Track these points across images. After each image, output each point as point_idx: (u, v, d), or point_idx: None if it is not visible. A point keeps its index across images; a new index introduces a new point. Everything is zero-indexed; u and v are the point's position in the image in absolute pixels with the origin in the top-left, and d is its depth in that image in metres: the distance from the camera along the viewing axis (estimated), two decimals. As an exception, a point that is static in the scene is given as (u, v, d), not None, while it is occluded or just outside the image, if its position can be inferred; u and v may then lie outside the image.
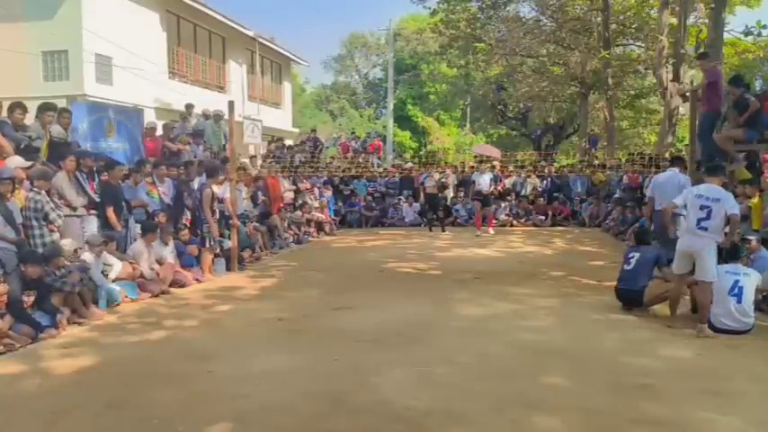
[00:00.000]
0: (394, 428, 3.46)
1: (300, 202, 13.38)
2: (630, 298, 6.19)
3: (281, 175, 12.95)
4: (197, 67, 18.88)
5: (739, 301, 5.33)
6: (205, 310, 6.49)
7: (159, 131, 10.98)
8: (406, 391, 3.97)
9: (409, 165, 18.31)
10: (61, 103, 8.54)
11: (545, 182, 16.34)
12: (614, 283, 6.44)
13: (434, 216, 14.68)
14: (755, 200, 7.27)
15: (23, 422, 3.63)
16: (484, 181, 13.55)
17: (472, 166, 17.75)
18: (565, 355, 4.75)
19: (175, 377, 4.32)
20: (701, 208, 5.39)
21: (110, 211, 7.42)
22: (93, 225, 7.33)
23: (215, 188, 8.75)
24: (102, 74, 14.58)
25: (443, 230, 14.03)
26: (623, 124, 26.31)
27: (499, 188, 15.62)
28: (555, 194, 16.01)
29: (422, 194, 15.41)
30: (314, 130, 21.13)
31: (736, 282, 5.39)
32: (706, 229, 5.35)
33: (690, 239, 5.47)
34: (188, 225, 8.55)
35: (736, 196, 7.62)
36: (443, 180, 15.83)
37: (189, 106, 12.61)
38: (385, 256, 10.29)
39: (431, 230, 14.13)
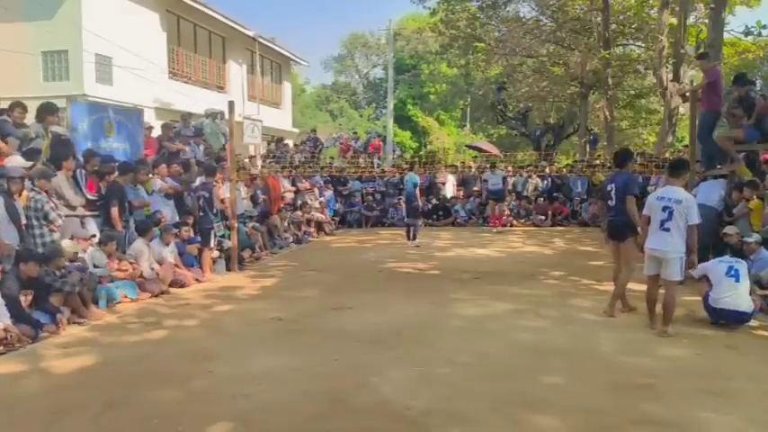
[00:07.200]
0: (394, 428, 3.46)
1: (300, 202, 13.37)
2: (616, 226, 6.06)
3: (282, 175, 12.95)
4: (197, 67, 18.88)
5: (737, 281, 5.41)
6: (205, 310, 6.49)
7: (157, 131, 11.01)
8: (406, 391, 3.98)
9: (411, 165, 18.27)
10: (61, 103, 8.53)
11: (545, 182, 16.34)
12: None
13: (409, 223, 12.22)
14: (756, 201, 7.24)
15: (23, 422, 3.63)
16: (496, 180, 14.28)
17: (470, 166, 17.84)
18: (564, 355, 4.75)
19: (175, 377, 4.32)
20: (663, 209, 5.32)
21: (114, 211, 7.41)
22: (93, 225, 7.34)
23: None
24: (102, 74, 14.59)
25: (414, 239, 11.82)
26: (623, 124, 26.27)
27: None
28: (555, 194, 16.02)
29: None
30: (314, 130, 21.13)
31: (731, 266, 5.55)
32: (668, 230, 5.28)
33: (656, 242, 5.39)
34: (191, 224, 8.54)
35: (733, 199, 7.64)
36: (438, 181, 15.86)
37: (188, 115, 12.61)
38: (385, 256, 10.30)
39: (408, 238, 11.97)
